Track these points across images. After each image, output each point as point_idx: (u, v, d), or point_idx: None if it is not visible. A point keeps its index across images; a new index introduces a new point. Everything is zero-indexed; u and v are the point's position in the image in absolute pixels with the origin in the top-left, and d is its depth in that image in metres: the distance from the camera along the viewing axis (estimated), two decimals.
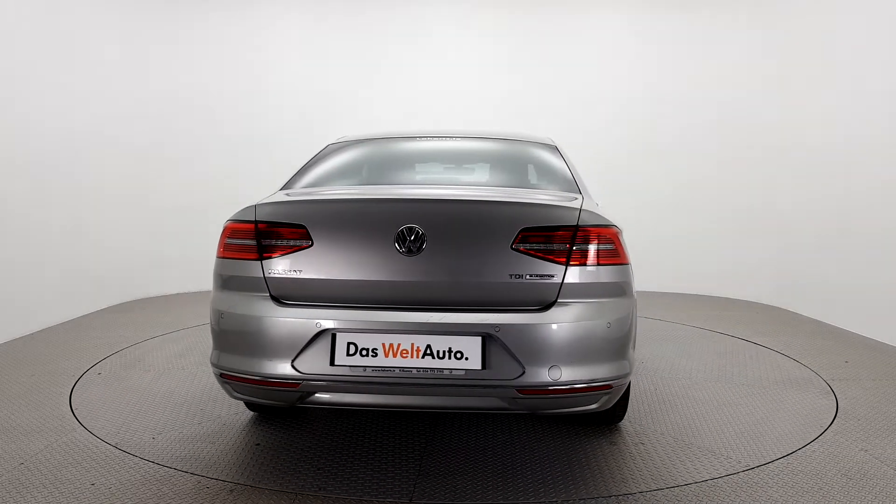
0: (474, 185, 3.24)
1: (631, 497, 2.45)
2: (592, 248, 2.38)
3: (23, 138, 5.27)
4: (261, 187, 3.60)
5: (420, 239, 2.35)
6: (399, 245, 2.35)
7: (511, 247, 2.35)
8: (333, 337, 2.30)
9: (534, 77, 7.70)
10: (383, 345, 2.28)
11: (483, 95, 7.68)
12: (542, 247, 2.36)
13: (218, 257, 2.59)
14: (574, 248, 2.36)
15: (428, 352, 2.26)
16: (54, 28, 5.69)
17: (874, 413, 3.43)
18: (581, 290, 2.35)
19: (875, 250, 5.34)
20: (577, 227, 2.38)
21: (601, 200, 3.66)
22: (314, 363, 2.30)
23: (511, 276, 2.33)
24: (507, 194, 2.72)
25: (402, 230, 2.36)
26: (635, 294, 2.62)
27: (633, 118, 7.60)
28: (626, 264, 2.50)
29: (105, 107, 6.39)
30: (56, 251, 5.64)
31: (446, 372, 2.25)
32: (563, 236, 2.36)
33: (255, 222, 2.50)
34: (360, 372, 2.27)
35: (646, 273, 7.38)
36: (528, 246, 2.36)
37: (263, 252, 2.46)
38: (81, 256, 5.99)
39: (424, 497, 2.45)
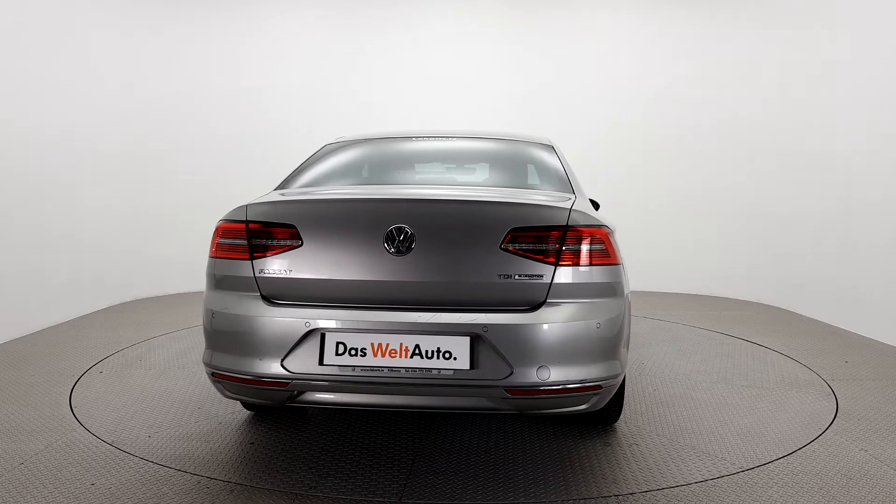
0: (465, 185, 3.24)
1: (621, 498, 2.45)
2: (582, 248, 2.37)
3: (22, 138, 5.26)
4: (261, 187, 3.60)
5: (409, 239, 2.35)
6: (388, 245, 2.35)
7: (500, 247, 2.35)
8: (322, 336, 2.31)
9: (533, 77, 7.70)
10: (372, 344, 2.29)
11: (483, 95, 7.69)
12: (531, 247, 2.35)
13: (210, 257, 2.60)
14: (564, 248, 2.35)
15: (416, 352, 2.27)
16: (54, 28, 5.69)
17: (874, 413, 3.43)
18: (571, 291, 2.35)
19: (875, 250, 5.34)
20: (566, 227, 2.37)
21: (602, 200, 3.68)
22: (303, 363, 2.30)
23: (500, 276, 2.33)
24: (496, 194, 2.71)
25: (391, 230, 2.36)
26: (628, 294, 2.61)
27: (634, 118, 7.60)
28: (618, 264, 2.49)
29: (105, 107, 6.39)
30: (56, 251, 5.64)
31: (434, 372, 2.25)
32: (552, 236, 2.36)
33: (246, 222, 2.51)
34: (348, 372, 2.27)
35: (646, 273, 7.44)
36: (517, 246, 2.35)
37: (254, 252, 2.47)
38: (81, 256, 5.99)
39: (414, 497, 2.45)
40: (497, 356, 2.25)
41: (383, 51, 7.64)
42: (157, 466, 2.69)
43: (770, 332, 5.40)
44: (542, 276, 2.32)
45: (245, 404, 3.31)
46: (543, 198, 2.74)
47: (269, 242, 2.46)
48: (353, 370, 2.27)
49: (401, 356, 2.26)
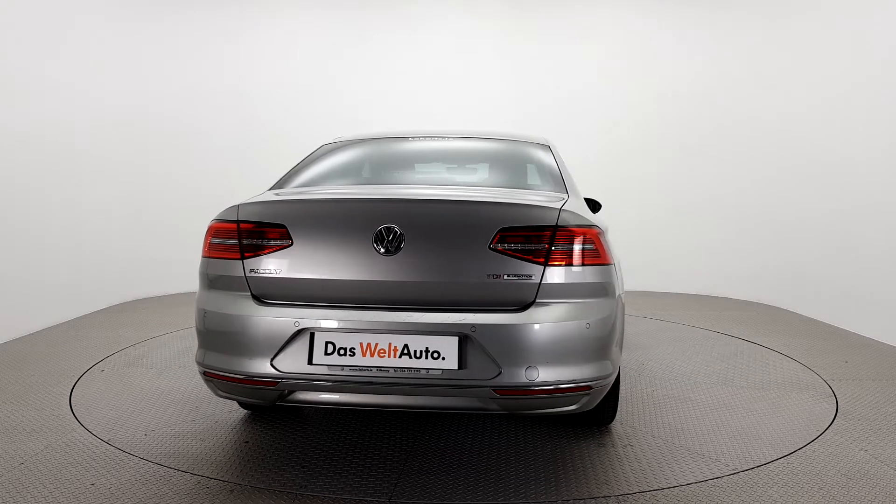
0: (455, 185, 3.23)
1: (612, 499, 2.44)
2: (572, 248, 2.37)
3: (22, 138, 5.26)
4: (261, 187, 3.60)
5: (398, 239, 2.35)
6: (377, 245, 2.35)
7: (489, 247, 2.35)
8: (312, 336, 2.31)
9: (534, 77, 7.70)
10: (361, 344, 2.29)
11: (483, 95, 7.68)
12: (520, 247, 2.35)
13: (203, 257, 2.61)
14: (553, 248, 2.35)
15: (405, 351, 2.27)
16: (53, 28, 5.69)
17: (874, 413, 3.43)
18: (560, 291, 2.34)
19: (875, 250, 5.34)
20: (556, 227, 2.36)
21: (602, 200, 3.67)
22: (292, 362, 2.31)
23: (489, 276, 2.32)
24: (486, 194, 2.70)
25: (380, 230, 2.36)
26: (620, 294, 2.60)
27: (635, 118, 7.60)
28: (609, 265, 2.48)
29: (105, 107, 6.40)
30: (56, 251, 5.65)
31: (423, 372, 2.25)
32: (541, 236, 2.35)
33: (238, 222, 2.51)
34: (337, 371, 2.28)
35: (646, 273, 7.44)
36: (506, 246, 2.35)
37: (245, 251, 2.47)
38: (81, 256, 5.99)
39: (404, 496, 2.45)
40: (485, 356, 2.24)
41: (383, 51, 7.64)
42: (156, 466, 2.69)
43: (770, 332, 5.39)
44: (531, 276, 2.32)
45: (241, 403, 3.32)
46: (536, 198, 2.73)
47: (260, 242, 2.47)
48: (342, 370, 2.27)
49: (389, 356, 2.27)
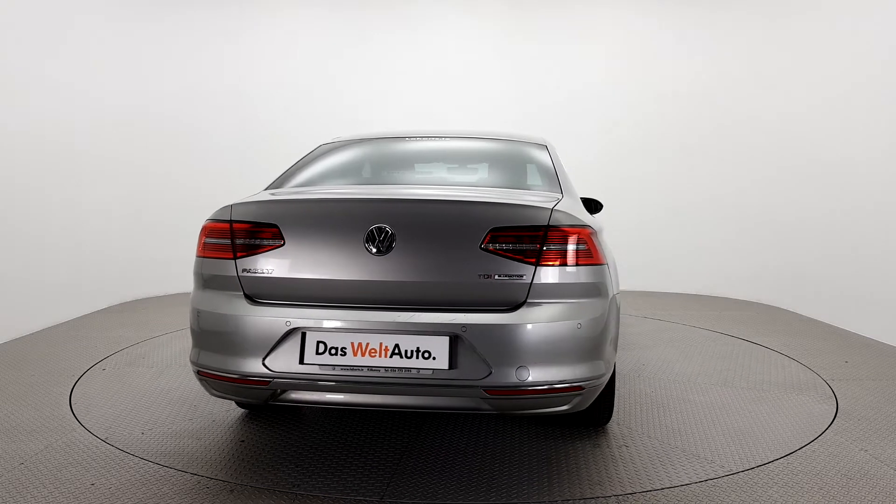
0: (448, 185, 3.22)
1: (604, 500, 2.44)
2: (563, 248, 2.36)
3: (22, 139, 5.26)
4: (261, 187, 3.60)
5: (389, 239, 2.35)
6: (369, 245, 2.36)
7: (480, 247, 2.34)
8: (303, 336, 2.32)
9: (533, 77, 7.70)
10: (352, 344, 2.29)
11: (482, 95, 7.68)
12: (511, 247, 2.35)
13: (197, 256, 2.61)
14: (544, 248, 2.34)
15: (396, 351, 2.27)
16: (53, 28, 5.69)
17: (874, 413, 3.43)
18: (551, 291, 2.33)
19: (875, 250, 5.34)
20: (547, 227, 2.36)
21: (602, 200, 3.67)
22: (284, 361, 2.31)
23: (480, 276, 2.32)
24: (478, 194, 2.69)
25: (371, 230, 2.36)
26: (614, 295, 2.60)
27: (634, 118, 7.60)
28: (602, 265, 2.47)
29: (105, 107, 6.40)
30: (56, 251, 5.65)
31: (414, 371, 2.25)
32: (533, 236, 2.35)
33: (231, 221, 2.52)
34: (328, 371, 2.28)
35: (646, 273, 7.44)
36: (497, 246, 2.34)
37: (238, 251, 2.48)
38: (81, 256, 5.99)
39: (395, 496, 2.45)
40: (476, 356, 2.24)
41: (383, 51, 7.64)
42: (156, 466, 2.70)
43: (770, 332, 5.39)
44: (522, 276, 2.32)
45: (238, 403, 3.32)
46: (530, 198, 2.72)
47: (253, 242, 2.47)
48: (334, 369, 2.28)
49: (380, 356, 2.27)
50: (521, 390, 2.25)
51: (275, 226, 2.45)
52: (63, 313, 5.68)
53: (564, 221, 2.40)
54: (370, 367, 2.27)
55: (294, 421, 3.25)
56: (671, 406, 3.53)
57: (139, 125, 6.85)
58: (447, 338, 2.26)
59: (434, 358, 2.25)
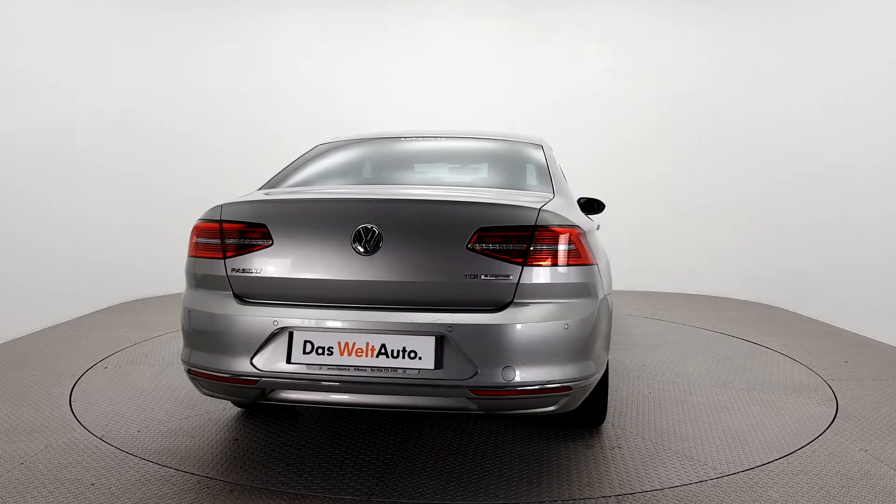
0: (437, 185, 3.22)
1: (593, 501, 2.43)
2: (551, 248, 2.35)
3: (23, 138, 5.27)
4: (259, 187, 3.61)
5: (376, 239, 2.35)
6: (356, 245, 2.36)
7: (467, 247, 2.34)
8: (291, 335, 2.33)
9: (533, 77, 7.70)
10: (339, 343, 2.30)
11: (482, 95, 7.68)
12: (498, 247, 2.34)
13: (189, 256, 2.63)
14: (532, 248, 2.33)
15: (382, 351, 2.27)
16: (53, 28, 5.69)
17: (874, 413, 3.43)
18: (538, 291, 2.33)
19: (875, 250, 5.34)
20: (534, 227, 2.35)
21: (602, 200, 3.66)
22: (271, 361, 2.32)
23: (466, 276, 2.32)
24: (465, 194, 2.68)
25: (359, 230, 2.36)
26: (606, 295, 2.59)
27: (634, 118, 7.60)
28: (591, 265, 2.46)
29: (105, 107, 6.40)
30: (56, 251, 5.65)
31: (400, 371, 2.25)
32: (520, 236, 2.34)
33: (220, 221, 2.53)
34: (315, 370, 2.29)
35: (647, 273, 7.45)
36: (484, 246, 2.34)
37: (227, 251, 2.49)
38: (81, 257, 5.99)
39: (384, 495, 2.46)
40: (462, 356, 2.24)
41: (383, 51, 7.64)
42: (156, 466, 2.70)
43: (770, 332, 5.39)
44: (508, 276, 2.31)
45: (233, 401, 3.32)
46: (520, 197, 2.71)
47: (242, 242, 2.48)
48: (320, 369, 2.29)
49: (367, 355, 2.28)
50: (507, 390, 2.25)
51: (263, 226, 2.46)
52: (63, 313, 5.68)
53: (552, 221, 2.39)
54: (357, 367, 2.27)
55: (288, 420, 3.25)
56: (668, 407, 3.52)
57: (139, 125, 6.85)
58: (433, 338, 2.27)
59: (420, 358, 2.26)
